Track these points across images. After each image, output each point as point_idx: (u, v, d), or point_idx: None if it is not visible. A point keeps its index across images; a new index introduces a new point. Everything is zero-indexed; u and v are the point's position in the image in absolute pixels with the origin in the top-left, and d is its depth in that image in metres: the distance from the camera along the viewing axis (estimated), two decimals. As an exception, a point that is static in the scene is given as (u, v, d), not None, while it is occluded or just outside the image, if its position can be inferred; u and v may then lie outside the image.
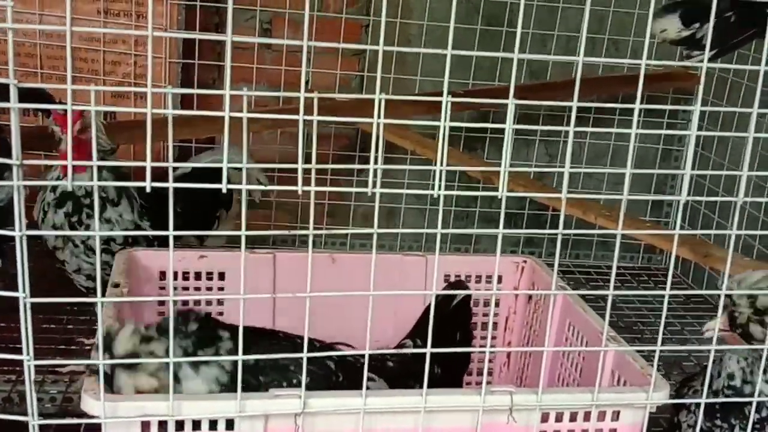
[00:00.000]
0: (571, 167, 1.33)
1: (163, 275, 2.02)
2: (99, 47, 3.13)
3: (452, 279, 2.20)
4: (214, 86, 3.45)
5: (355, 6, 3.55)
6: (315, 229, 1.17)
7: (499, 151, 3.69)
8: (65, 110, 1.78)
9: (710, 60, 2.04)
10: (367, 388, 1.37)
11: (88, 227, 2.27)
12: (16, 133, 1.11)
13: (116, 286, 1.78)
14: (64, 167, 1.93)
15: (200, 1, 3.28)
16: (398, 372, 1.84)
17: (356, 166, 1.52)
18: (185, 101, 3.21)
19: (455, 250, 3.67)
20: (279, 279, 2.09)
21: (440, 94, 1.22)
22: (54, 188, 2.22)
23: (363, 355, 1.67)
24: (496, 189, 1.28)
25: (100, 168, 2.09)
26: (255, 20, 3.45)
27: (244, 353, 1.25)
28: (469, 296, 2.12)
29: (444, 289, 2.14)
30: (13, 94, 1.09)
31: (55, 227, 2.25)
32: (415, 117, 2.75)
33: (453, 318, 2.04)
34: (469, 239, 3.75)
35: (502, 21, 3.56)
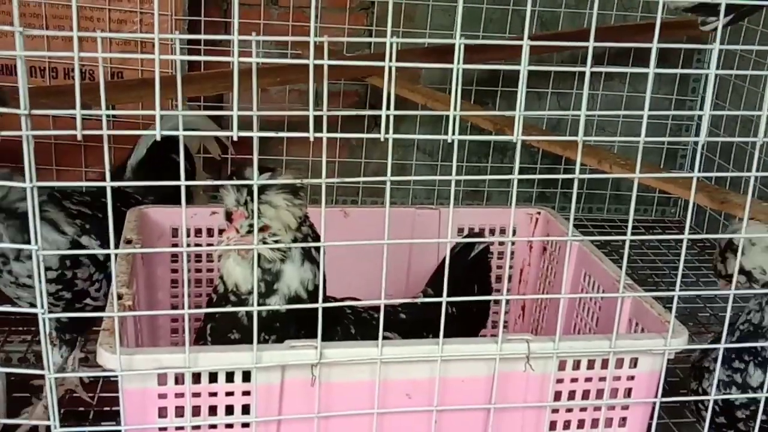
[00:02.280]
0: (587, 115, 1.30)
1: (175, 232, 2.00)
2: (104, 5, 3.09)
3: (466, 232, 2.18)
4: (220, 44, 3.41)
5: (362, -41, 3.50)
6: (327, 185, 1.16)
7: (510, 106, 3.65)
8: None
9: (725, 25, 1.99)
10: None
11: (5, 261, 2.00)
12: (23, 83, 1.09)
13: (128, 242, 1.77)
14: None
15: (204, -44, 3.23)
16: (411, 324, 1.83)
17: (368, 112, 1.50)
18: (192, 62, 3.18)
19: (467, 206, 3.65)
20: (291, 234, 2.08)
21: (450, 46, 1.19)
22: None
23: (377, 310, 1.67)
24: (502, 137, 1.25)
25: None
26: (262, -24, 3.41)
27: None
28: (487, 247, 2.06)
29: (461, 242, 2.05)
30: (19, 41, 1.07)
31: None
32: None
33: (471, 270, 1.99)
34: (481, 195, 3.73)
35: (512, -28, 3.50)
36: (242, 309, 1.53)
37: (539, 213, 2.20)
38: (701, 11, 2.03)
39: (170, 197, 2.13)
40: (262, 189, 1.49)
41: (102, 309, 1.95)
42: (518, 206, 2.26)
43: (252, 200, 1.48)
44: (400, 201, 3.65)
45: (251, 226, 1.49)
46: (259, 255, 1.49)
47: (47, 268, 1.83)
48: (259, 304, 1.50)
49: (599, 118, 3.71)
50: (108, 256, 1.97)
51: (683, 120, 3.81)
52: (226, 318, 1.57)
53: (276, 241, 1.53)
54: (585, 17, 3.56)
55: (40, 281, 1.16)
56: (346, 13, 3.48)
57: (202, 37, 1.35)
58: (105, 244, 2.00)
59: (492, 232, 2.20)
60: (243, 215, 1.50)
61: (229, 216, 1.53)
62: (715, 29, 1.95)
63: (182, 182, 1.19)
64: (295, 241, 1.54)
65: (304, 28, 3.48)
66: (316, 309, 1.27)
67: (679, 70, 2.01)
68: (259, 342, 1.29)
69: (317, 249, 1.56)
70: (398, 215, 2.16)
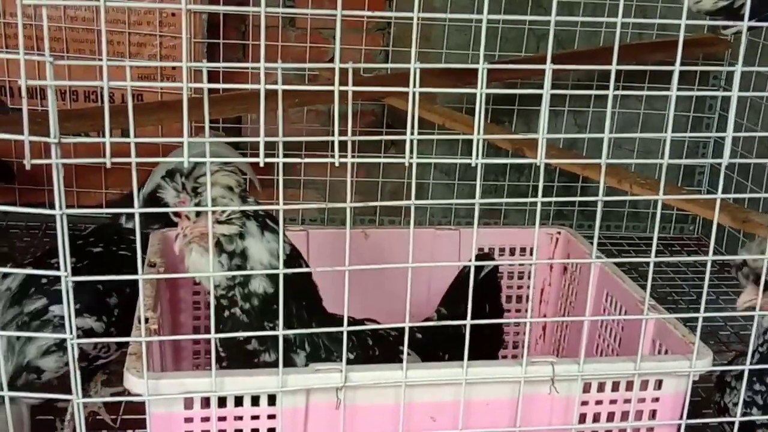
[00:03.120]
0: (594, 134, 1.31)
1: (197, 254, 2.01)
2: (124, 29, 3.13)
3: (486, 251, 2.18)
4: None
5: (378, -22, 3.52)
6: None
7: (526, 124, 3.66)
8: None
9: (748, 30, 1.99)
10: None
11: None
12: (53, 112, 1.11)
13: (152, 265, 1.78)
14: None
15: (223, -20, 3.27)
16: (426, 343, 1.82)
17: (391, 138, 1.51)
18: (211, 81, 3.20)
19: (484, 225, 3.65)
20: (312, 256, 2.09)
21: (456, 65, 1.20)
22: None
23: (396, 329, 1.67)
24: (524, 159, 1.26)
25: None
26: (279, -3, 3.44)
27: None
28: (496, 268, 2.05)
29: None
30: (50, 71, 1.09)
31: None
32: (442, 88, 2.73)
33: (480, 291, 1.95)
34: (498, 213, 3.73)
35: (526, -9, 3.52)
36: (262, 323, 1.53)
37: (559, 233, 2.20)
38: (724, 15, 2.03)
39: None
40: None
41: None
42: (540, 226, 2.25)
43: (188, 179, 1.51)
44: (418, 220, 3.66)
45: (198, 204, 1.50)
46: (218, 242, 1.51)
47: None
48: (243, 297, 1.53)
49: (617, 136, 3.71)
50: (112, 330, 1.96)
51: (701, 137, 3.80)
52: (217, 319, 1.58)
53: (229, 215, 1.53)
54: (601, 35, 3.57)
55: (69, 312, 1.17)
56: (363, 34, 3.50)
57: (230, 65, 1.37)
58: (102, 316, 1.95)
59: (512, 251, 2.21)
60: (185, 200, 1.52)
61: (177, 215, 1.54)
62: (736, 33, 1.95)
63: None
64: (246, 211, 1.55)
65: (321, 49, 3.51)
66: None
67: (701, 92, 2.01)
68: (263, 329, 1.29)
69: (273, 219, 1.56)
70: (418, 236, 2.13)
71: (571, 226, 3.83)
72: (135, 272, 1.24)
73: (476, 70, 1.20)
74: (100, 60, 1.11)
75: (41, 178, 3.31)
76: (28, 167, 1.10)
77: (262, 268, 1.55)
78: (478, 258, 2.07)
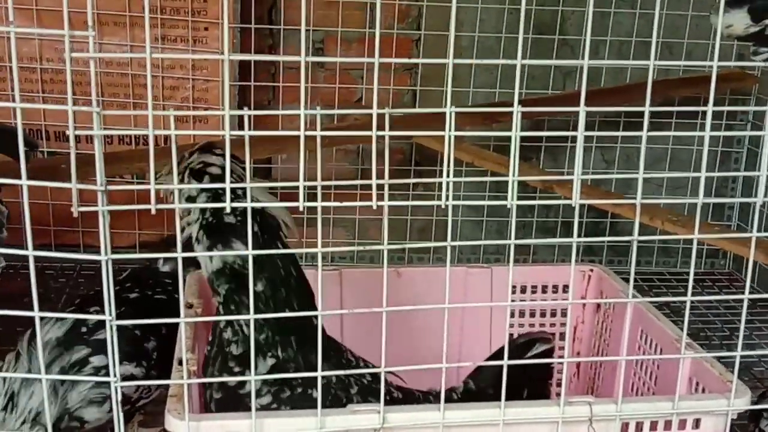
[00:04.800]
0: (632, 172, 1.32)
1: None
2: (158, 73, 3.19)
3: (518, 290, 2.18)
4: (269, 107, 3.49)
5: (405, 22, 3.57)
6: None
7: (554, 160, 3.67)
8: None
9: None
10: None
11: None
12: (100, 159, 1.14)
13: (190, 306, 1.81)
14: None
15: (254, 24, 3.33)
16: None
17: (430, 180, 1.53)
18: (241, 124, 3.26)
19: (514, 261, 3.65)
20: (345, 295, 2.10)
21: (495, 105, 1.22)
22: None
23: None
24: (556, 197, 1.27)
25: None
26: (308, 40, 3.50)
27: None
28: (552, 349, 1.80)
29: (523, 336, 1.86)
30: (96, 121, 1.12)
31: None
32: (470, 128, 2.76)
33: (524, 372, 1.58)
34: (527, 250, 3.73)
35: (552, 29, 3.55)
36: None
37: (592, 270, 2.20)
38: (755, 41, 2.04)
39: None
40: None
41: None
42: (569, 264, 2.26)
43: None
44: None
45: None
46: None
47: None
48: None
49: (650, 175, 3.72)
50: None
51: (731, 162, 3.79)
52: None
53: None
54: (627, 71, 3.58)
55: (113, 350, 1.20)
56: (391, 74, 3.55)
57: (273, 112, 1.40)
58: (141, 361, 1.98)
59: (545, 288, 2.21)
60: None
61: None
62: (767, 59, 1.96)
63: (247, 252, 1.22)
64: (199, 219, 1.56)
65: (350, 89, 3.56)
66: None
67: (732, 133, 2.01)
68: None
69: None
70: (450, 274, 2.17)
71: (600, 262, 3.82)
72: (172, 315, 1.26)
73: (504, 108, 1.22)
74: (146, 110, 1.14)
75: (75, 220, 3.37)
76: (75, 214, 1.13)
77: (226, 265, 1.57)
78: (531, 336, 1.84)
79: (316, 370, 1.28)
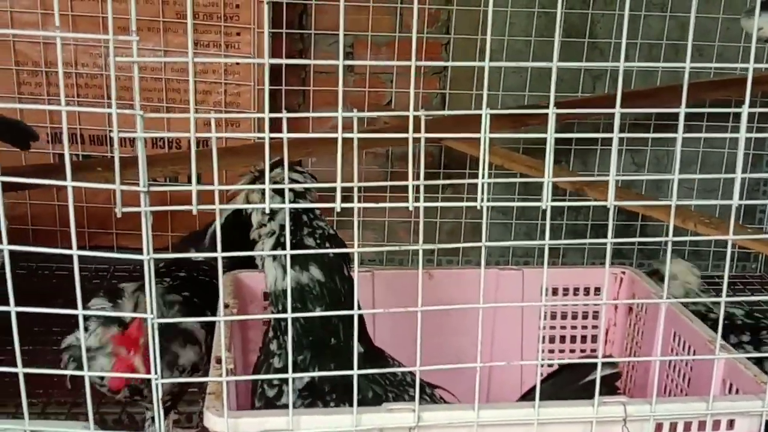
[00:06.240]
0: (664, 175, 1.33)
1: (266, 296, 2.06)
2: (193, 78, 3.22)
3: (549, 293, 2.18)
4: (300, 110, 3.52)
5: (434, 26, 3.59)
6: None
7: (583, 163, 3.66)
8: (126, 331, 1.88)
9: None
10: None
11: None
12: (143, 161, 1.17)
13: (226, 306, 1.83)
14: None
15: (285, 29, 3.36)
16: None
17: (467, 181, 1.54)
18: (273, 126, 3.29)
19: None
20: (378, 296, 2.12)
21: (526, 108, 1.24)
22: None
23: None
24: (588, 199, 1.28)
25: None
26: (338, 44, 3.52)
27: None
28: (617, 375, 1.70)
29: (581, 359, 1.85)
30: (140, 124, 1.15)
31: None
32: (499, 132, 2.77)
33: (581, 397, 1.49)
34: (557, 252, 3.72)
35: (582, 32, 3.55)
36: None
37: (624, 272, 2.20)
38: None
39: (241, 264, 2.12)
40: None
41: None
42: (603, 266, 2.26)
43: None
44: (476, 260, 3.67)
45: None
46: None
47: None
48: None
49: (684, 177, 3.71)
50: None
51: (762, 165, 3.76)
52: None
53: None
54: (658, 74, 3.57)
55: (154, 349, 1.22)
56: (421, 78, 3.57)
57: (309, 114, 1.42)
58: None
59: (576, 291, 2.21)
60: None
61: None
62: None
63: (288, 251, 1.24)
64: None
65: (379, 93, 3.59)
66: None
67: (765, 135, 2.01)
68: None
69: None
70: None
71: (631, 264, 3.82)
72: (216, 294, 1.31)
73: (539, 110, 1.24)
74: (188, 113, 1.17)
75: (109, 222, 3.42)
76: (119, 215, 1.16)
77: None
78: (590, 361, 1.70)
79: (351, 391, 1.30)
